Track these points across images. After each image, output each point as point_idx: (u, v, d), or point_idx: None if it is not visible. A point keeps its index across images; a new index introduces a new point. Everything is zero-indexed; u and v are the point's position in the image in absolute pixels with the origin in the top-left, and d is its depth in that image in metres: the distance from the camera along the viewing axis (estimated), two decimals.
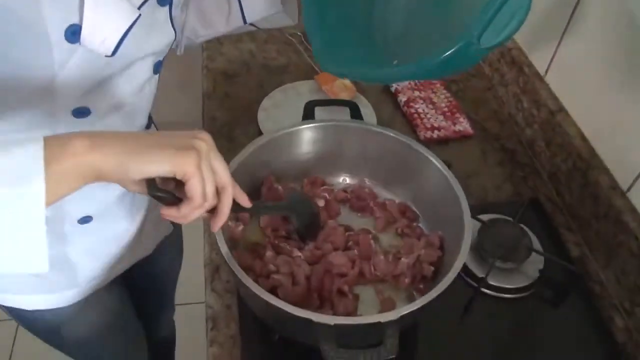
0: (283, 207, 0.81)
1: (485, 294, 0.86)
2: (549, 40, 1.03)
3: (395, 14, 0.76)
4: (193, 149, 0.54)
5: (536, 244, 0.90)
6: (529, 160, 1.08)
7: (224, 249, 0.67)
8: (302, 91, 1.15)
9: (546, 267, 0.87)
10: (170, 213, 0.57)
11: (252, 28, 0.93)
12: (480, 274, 0.85)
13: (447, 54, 0.58)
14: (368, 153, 0.87)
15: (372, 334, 0.60)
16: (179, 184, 0.56)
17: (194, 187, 0.54)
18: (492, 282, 0.85)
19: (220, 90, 1.18)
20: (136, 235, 0.91)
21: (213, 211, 0.61)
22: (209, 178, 0.56)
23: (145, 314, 1.16)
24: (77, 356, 1.04)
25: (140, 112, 0.79)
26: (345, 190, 0.87)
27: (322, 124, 0.84)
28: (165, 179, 0.57)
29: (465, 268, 0.87)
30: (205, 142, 0.56)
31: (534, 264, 0.87)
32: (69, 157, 0.49)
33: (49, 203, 0.48)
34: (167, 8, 0.73)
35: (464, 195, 0.77)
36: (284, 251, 0.76)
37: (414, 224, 0.84)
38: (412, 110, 1.13)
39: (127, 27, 0.61)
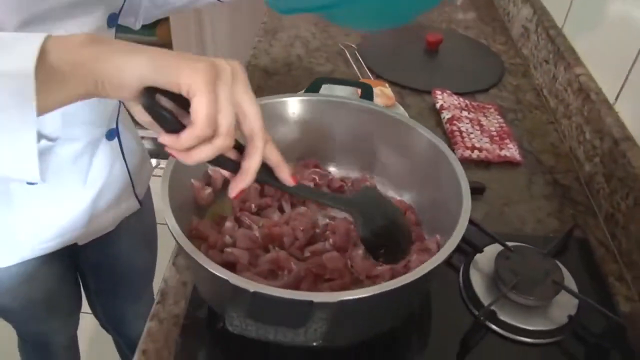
0: (344, 201, 0.61)
1: (494, 331, 0.69)
2: (621, 63, 0.88)
3: None
4: (210, 64, 0.43)
5: (571, 284, 0.72)
6: (584, 199, 0.90)
7: (166, 202, 0.57)
8: (336, 93, 1.06)
9: (580, 313, 0.69)
10: (168, 140, 0.44)
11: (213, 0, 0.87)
12: (486, 302, 0.69)
13: None
14: (374, 142, 0.75)
15: (297, 315, 0.47)
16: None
17: (197, 106, 0.42)
18: (503, 318, 0.68)
19: (254, 84, 1.12)
20: (91, 205, 0.83)
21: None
22: (225, 106, 0.43)
23: (105, 304, 1.08)
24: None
25: None
26: (343, 180, 0.75)
27: (317, 97, 0.73)
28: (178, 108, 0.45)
29: (473, 297, 0.71)
30: (232, 67, 0.44)
31: (564, 307, 0.70)
32: (67, 46, 0.42)
33: (44, 105, 0.42)
34: None
35: (467, 181, 0.62)
36: (245, 225, 0.65)
37: (414, 227, 0.70)
38: (454, 128, 1.00)
39: None
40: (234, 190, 0.50)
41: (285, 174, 0.52)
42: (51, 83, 0.41)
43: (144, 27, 0.86)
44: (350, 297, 0.48)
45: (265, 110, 0.72)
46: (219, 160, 0.47)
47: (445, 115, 1.03)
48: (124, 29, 0.79)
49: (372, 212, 0.61)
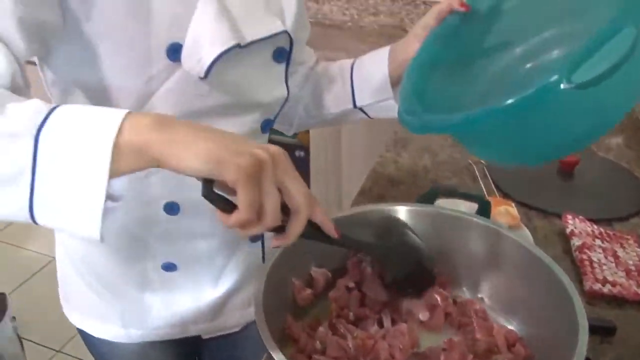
0: (379, 247, 0.67)
1: None
2: None
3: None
4: (248, 155, 0.48)
5: None
6: None
7: (259, 296, 0.58)
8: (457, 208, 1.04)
9: None
10: (221, 218, 0.51)
11: (363, 115, 0.91)
12: None
13: (532, 91, 0.46)
14: (486, 263, 0.71)
15: None
16: None
17: (239, 197, 0.48)
18: None
19: (376, 191, 1.14)
20: (219, 303, 0.86)
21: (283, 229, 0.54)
22: (268, 192, 0.49)
23: None
24: None
25: None
26: (454, 301, 0.71)
27: (428, 209, 0.72)
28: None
29: None
30: (271, 154, 0.50)
31: None
32: (137, 128, 0.48)
33: (111, 174, 0.48)
34: (283, 66, 0.74)
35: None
36: (339, 332, 0.64)
37: None
38: (584, 257, 0.92)
39: (222, 50, 0.63)
40: (273, 242, 0.54)
41: (330, 229, 0.57)
42: (119, 156, 0.47)
43: None
44: None
45: (375, 217, 0.74)
46: None
47: (575, 242, 0.96)
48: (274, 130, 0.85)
49: (401, 254, 0.68)
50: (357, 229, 0.64)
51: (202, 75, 0.64)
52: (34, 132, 0.47)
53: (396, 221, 0.73)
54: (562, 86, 0.47)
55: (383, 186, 1.16)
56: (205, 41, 0.63)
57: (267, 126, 0.78)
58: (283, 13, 0.74)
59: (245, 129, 0.74)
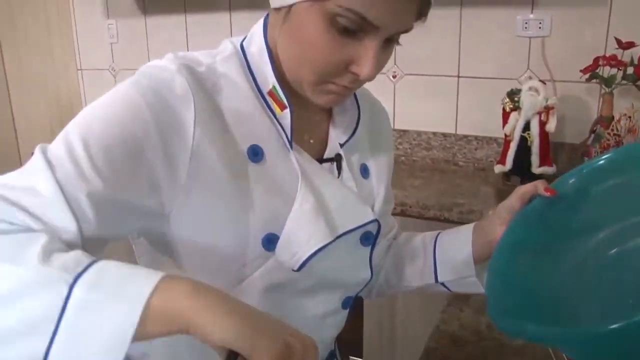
0: None
1: None
2: None
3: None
4: (282, 341, 0.48)
5: None
6: None
7: None
8: None
9: None
10: None
11: (444, 289, 0.93)
12: None
13: (638, 319, 0.46)
14: None
15: None
16: None
17: None
18: None
19: (440, 353, 1.11)
20: None
21: None
22: None
23: None
24: None
25: (319, 342, 0.78)
26: None
27: None
28: None
29: None
30: (304, 346, 0.50)
31: None
32: (172, 294, 0.49)
33: (137, 336, 0.48)
34: (369, 249, 0.76)
35: None
36: None
37: None
38: None
39: (318, 247, 0.65)
40: None
41: None
42: (148, 318, 0.47)
43: None
44: None
45: None
46: None
47: None
48: None
49: None
50: None
51: (295, 268, 0.66)
52: (70, 281, 0.48)
53: None
54: None
55: (447, 348, 1.14)
56: (301, 237, 0.65)
57: (347, 303, 0.79)
58: (373, 198, 0.77)
59: (326, 307, 0.76)
